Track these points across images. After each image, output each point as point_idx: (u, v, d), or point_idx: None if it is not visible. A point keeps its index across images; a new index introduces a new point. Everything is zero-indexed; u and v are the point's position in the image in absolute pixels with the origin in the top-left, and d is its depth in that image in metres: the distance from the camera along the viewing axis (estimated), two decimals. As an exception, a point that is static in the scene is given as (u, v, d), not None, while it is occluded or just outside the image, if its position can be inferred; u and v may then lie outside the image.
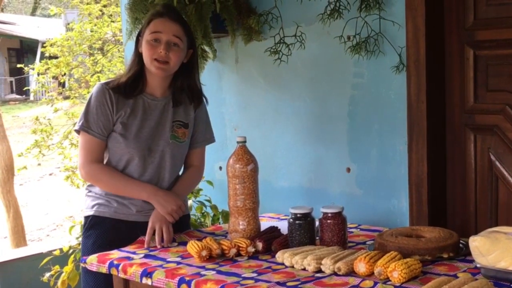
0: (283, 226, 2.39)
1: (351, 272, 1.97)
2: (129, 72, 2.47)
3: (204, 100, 2.62)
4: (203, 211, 3.20)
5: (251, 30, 3.04)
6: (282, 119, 3.08)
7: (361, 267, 1.95)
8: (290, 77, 3.03)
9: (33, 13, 26.69)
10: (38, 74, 9.16)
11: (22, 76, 19.65)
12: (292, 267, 2.07)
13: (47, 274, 3.51)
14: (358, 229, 2.59)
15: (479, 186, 2.61)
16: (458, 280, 1.77)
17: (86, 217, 2.50)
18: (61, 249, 3.52)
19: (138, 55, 2.48)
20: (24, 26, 22.53)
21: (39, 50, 19.32)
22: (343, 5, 2.71)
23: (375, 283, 1.87)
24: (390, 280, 1.88)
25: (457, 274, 1.92)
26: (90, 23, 8.73)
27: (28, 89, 13.14)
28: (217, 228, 2.72)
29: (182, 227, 2.57)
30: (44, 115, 8.71)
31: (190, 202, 3.03)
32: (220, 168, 3.30)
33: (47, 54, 9.01)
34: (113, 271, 2.23)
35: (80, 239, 3.36)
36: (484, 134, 2.58)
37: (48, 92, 9.56)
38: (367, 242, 2.37)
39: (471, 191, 2.63)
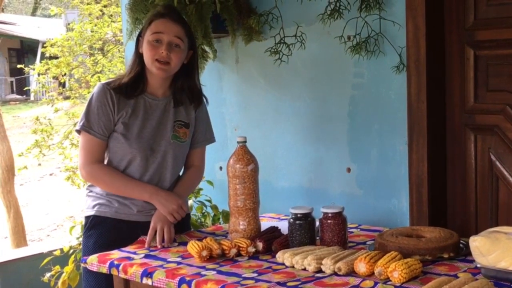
0: (284, 226, 2.39)
1: (352, 272, 1.97)
2: (130, 73, 2.47)
3: (205, 100, 2.63)
4: (203, 211, 3.20)
5: (252, 30, 3.04)
6: (282, 119, 3.08)
7: (361, 267, 1.95)
8: (290, 77, 3.03)
9: (33, 13, 26.70)
10: (39, 74, 9.16)
11: (23, 76, 19.66)
12: (293, 267, 2.07)
13: (48, 274, 3.51)
14: (359, 229, 2.59)
15: (479, 186, 2.61)
16: (458, 280, 1.77)
17: (87, 217, 2.50)
18: (61, 249, 3.52)
19: (139, 56, 2.48)
20: (25, 26, 22.54)
21: (40, 50, 19.34)
22: (343, 5, 2.71)
23: (376, 283, 1.87)
24: (390, 280, 1.88)
25: (458, 274, 1.92)
26: (90, 23, 8.73)
27: (29, 89, 13.15)
28: (218, 228, 2.72)
29: (183, 227, 2.58)
30: (45, 115, 8.70)
31: (190, 202, 3.03)
32: (221, 168, 3.30)
33: (47, 54, 9.02)
34: (114, 271, 2.23)
35: (81, 239, 3.37)
36: (484, 134, 2.58)
37: (49, 92, 9.56)
38: (368, 242, 2.37)
39: (471, 191, 2.63)
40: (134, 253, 2.32)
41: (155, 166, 2.48)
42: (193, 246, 2.23)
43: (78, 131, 2.46)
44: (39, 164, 10.09)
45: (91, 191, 2.53)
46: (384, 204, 2.75)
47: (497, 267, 1.83)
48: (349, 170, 2.86)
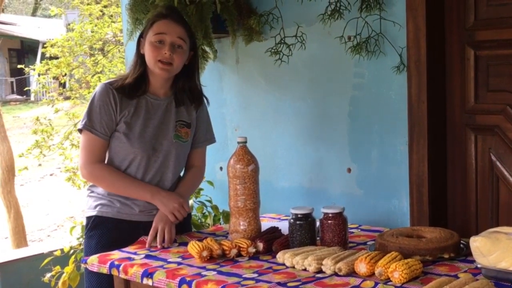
0: (284, 227, 2.39)
1: (352, 273, 1.97)
2: (133, 73, 2.47)
3: (205, 101, 2.63)
4: (203, 212, 3.20)
5: (252, 31, 3.04)
6: (283, 119, 3.08)
7: (362, 267, 1.95)
8: (290, 78, 3.03)
9: (33, 14, 26.71)
10: (39, 75, 9.17)
11: (23, 76, 19.67)
12: (293, 267, 2.07)
13: (48, 275, 3.51)
14: (359, 230, 2.59)
15: (479, 186, 2.61)
16: (459, 281, 1.77)
17: (89, 218, 2.50)
18: (62, 250, 3.52)
19: (140, 56, 2.48)
20: (25, 27, 22.55)
21: (40, 50, 19.34)
22: (343, 6, 2.71)
23: (376, 284, 1.87)
24: (391, 281, 1.88)
25: (458, 275, 1.92)
26: (90, 23, 8.74)
27: (29, 90, 13.16)
28: (218, 229, 2.72)
29: (184, 227, 2.58)
30: (45, 115, 8.71)
31: (191, 202, 3.03)
32: (221, 168, 3.30)
33: (47, 55, 9.02)
34: (114, 272, 2.23)
35: (81, 239, 3.38)
36: (484, 134, 2.58)
37: (49, 93, 9.57)
38: (368, 243, 2.37)
39: (471, 191, 2.63)
40: (135, 253, 2.32)
41: (157, 165, 2.48)
42: (193, 247, 2.23)
43: (80, 130, 2.46)
44: (40, 165, 10.09)
45: (92, 192, 2.53)
46: (385, 204, 2.75)
47: (497, 268, 1.82)
48: (349, 170, 2.86)
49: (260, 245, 2.27)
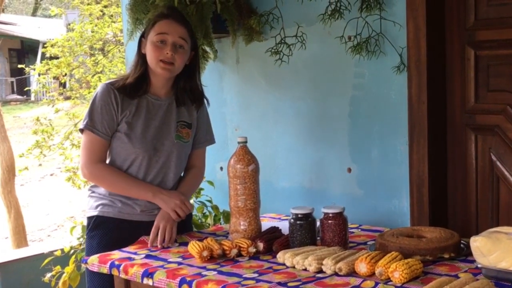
0: (284, 227, 2.39)
1: (352, 273, 1.97)
2: (135, 73, 2.48)
3: (206, 102, 2.63)
4: (204, 211, 3.20)
5: (252, 31, 3.04)
6: (283, 119, 3.08)
7: (362, 267, 1.95)
8: (291, 78, 3.03)
9: (34, 14, 26.71)
10: (39, 75, 9.17)
11: (23, 76, 19.67)
12: (293, 267, 2.07)
13: (48, 275, 3.51)
14: (359, 230, 2.59)
15: (480, 186, 2.61)
16: (459, 281, 1.77)
17: (90, 218, 2.50)
18: (62, 250, 3.52)
19: (141, 56, 2.48)
20: (25, 27, 22.54)
21: (40, 50, 19.34)
22: (344, 6, 2.71)
23: (376, 284, 1.87)
24: (391, 281, 1.88)
25: (458, 275, 1.92)
26: (90, 23, 8.74)
27: (29, 90, 13.16)
28: (218, 229, 2.72)
29: (185, 227, 2.58)
30: (45, 115, 8.72)
31: (191, 202, 3.03)
32: (221, 168, 3.30)
33: (48, 55, 9.02)
34: (114, 272, 2.23)
35: (81, 239, 3.38)
36: (485, 134, 2.58)
37: (49, 93, 9.57)
38: (368, 243, 2.37)
39: (472, 191, 2.63)
40: (135, 253, 2.32)
41: (159, 166, 2.48)
42: (193, 247, 2.23)
43: (81, 130, 2.47)
44: (40, 165, 10.09)
45: (93, 192, 2.53)
46: (385, 204, 2.75)
47: (497, 267, 1.83)
48: (349, 170, 2.86)
49: (261, 245, 2.27)
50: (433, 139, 2.61)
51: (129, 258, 2.26)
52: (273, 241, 2.29)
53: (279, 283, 1.92)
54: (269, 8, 2.92)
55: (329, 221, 2.24)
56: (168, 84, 2.52)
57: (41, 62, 9.12)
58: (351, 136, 2.85)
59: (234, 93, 3.28)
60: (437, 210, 2.64)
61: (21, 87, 20.19)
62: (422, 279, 1.89)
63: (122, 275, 2.21)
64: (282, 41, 2.89)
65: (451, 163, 2.67)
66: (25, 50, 23.77)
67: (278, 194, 3.09)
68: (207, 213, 3.21)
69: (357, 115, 2.82)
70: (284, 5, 2.91)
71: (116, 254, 2.31)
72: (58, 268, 3.45)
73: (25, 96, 20.69)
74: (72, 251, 3.42)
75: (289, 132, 3.07)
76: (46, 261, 3.53)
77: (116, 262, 2.24)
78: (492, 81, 2.54)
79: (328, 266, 1.99)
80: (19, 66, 10.69)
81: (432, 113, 2.59)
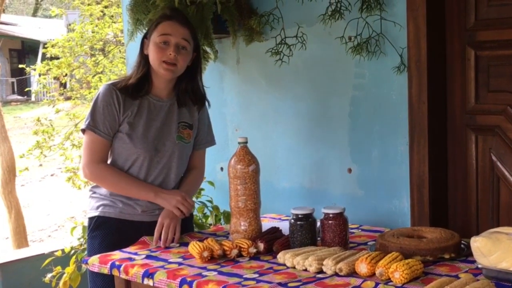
0: (285, 227, 2.39)
1: (353, 273, 1.97)
2: (137, 74, 2.48)
3: (207, 103, 2.64)
4: (204, 212, 3.20)
5: (252, 31, 3.05)
6: (283, 119, 3.09)
7: (362, 267, 1.95)
8: (291, 78, 3.03)
9: (34, 14, 26.72)
10: (40, 75, 9.17)
11: (24, 77, 19.67)
12: (294, 267, 2.07)
13: (49, 275, 3.51)
14: (360, 230, 2.59)
15: (480, 186, 2.61)
16: (459, 281, 1.77)
17: (91, 218, 2.51)
18: (62, 250, 3.52)
19: (144, 57, 2.49)
20: (26, 27, 22.55)
21: (41, 51, 19.33)
22: (344, 6, 2.71)
23: (377, 284, 1.87)
24: (391, 281, 1.88)
25: (459, 275, 1.92)
26: (91, 24, 8.74)
27: (30, 90, 13.16)
28: (219, 229, 2.72)
29: (186, 227, 2.58)
30: (46, 116, 8.71)
31: (191, 202, 3.04)
32: (222, 168, 3.30)
33: (48, 55, 9.02)
34: (115, 272, 2.23)
35: (82, 240, 3.38)
36: (485, 134, 2.58)
37: (50, 93, 9.57)
38: (369, 243, 2.37)
39: (472, 192, 2.63)
40: (135, 253, 2.32)
41: (160, 166, 2.49)
42: (194, 247, 2.23)
43: (83, 130, 2.47)
44: (40, 165, 10.09)
45: (94, 193, 2.53)
46: (385, 205, 2.75)
47: (498, 268, 1.82)
48: (350, 170, 2.86)
49: (261, 246, 2.27)
50: (434, 140, 2.61)
51: (130, 259, 2.26)
52: (273, 242, 2.29)
53: (279, 284, 1.92)
54: (269, 8, 2.92)
55: (330, 222, 2.24)
56: (170, 85, 2.52)
57: (41, 63, 9.12)
58: (352, 136, 2.85)
59: (234, 94, 3.28)
60: (438, 210, 2.64)
61: (22, 87, 20.20)
62: (423, 279, 1.89)
63: (123, 276, 2.21)
64: (283, 41, 2.89)
65: (451, 164, 2.67)
66: (25, 51, 23.79)
67: (279, 195, 3.10)
68: (208, 214, 3.21)
69: (358, 115, 2.82)
70: (284, 6, 2.91)
71: (116, 255, 2.32)
72: (58, 268, 3.46)
73: (25, 97, 20.70)
74: (72, 251, 3.42)
75: (290, 132, 3.07)
76: (46, 261, 3.53)
77: (117, 263, 2.24)
78: (492, 81, 2.55)
79: (329, 266, 1.99)
80: (20, 66, 10.68)
81: (432, 113, 2.59)
